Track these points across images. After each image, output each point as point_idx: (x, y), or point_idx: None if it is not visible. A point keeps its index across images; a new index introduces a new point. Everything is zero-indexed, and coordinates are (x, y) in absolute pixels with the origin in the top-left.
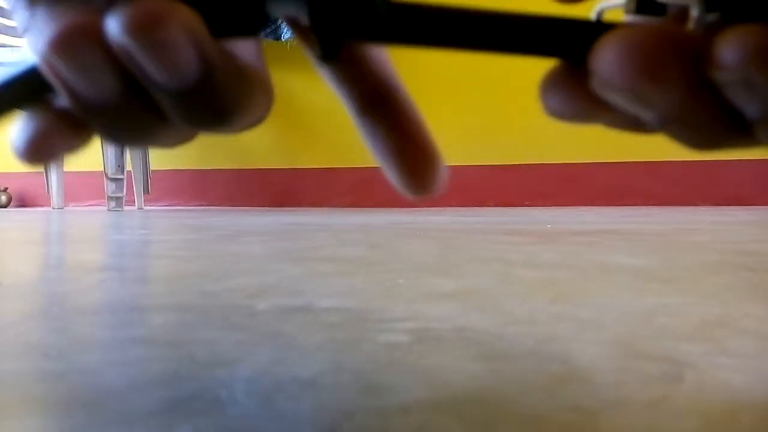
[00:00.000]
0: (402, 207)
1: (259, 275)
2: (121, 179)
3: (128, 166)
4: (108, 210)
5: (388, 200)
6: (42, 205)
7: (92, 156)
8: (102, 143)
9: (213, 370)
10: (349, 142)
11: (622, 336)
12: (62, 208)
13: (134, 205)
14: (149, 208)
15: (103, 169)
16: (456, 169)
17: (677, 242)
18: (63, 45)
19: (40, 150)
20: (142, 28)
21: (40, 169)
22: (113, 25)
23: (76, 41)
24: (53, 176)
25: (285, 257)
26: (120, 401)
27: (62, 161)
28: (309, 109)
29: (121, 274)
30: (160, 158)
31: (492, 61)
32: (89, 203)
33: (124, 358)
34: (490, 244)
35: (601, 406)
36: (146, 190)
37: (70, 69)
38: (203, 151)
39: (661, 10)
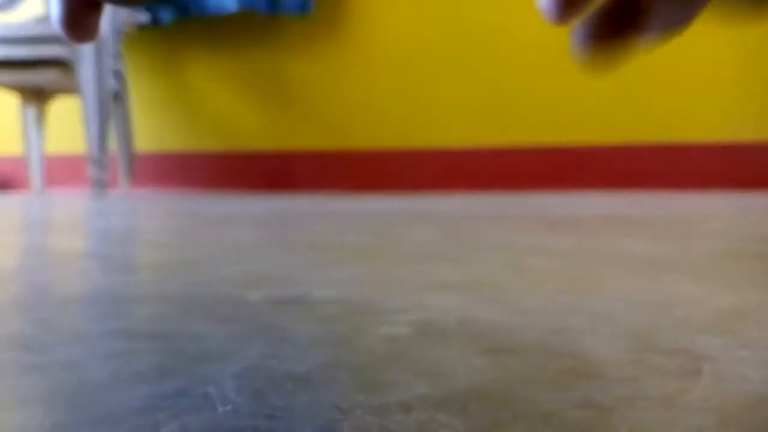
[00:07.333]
0: (404, 192)
1: (251, 264)
2: (104, 162)
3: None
4: (91, 194)
5: (388, 184)
6: (22, 189)
7: (74, 138)
8: (85, 124)
9: (202, 364)
10: (347, 121)
11: (637, 328)
12: (43, 192)
13: (118, 189)
14: (134, 192)
15: (85, 152)
16: (462, 153)
17: (693, 229)
18: None
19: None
20: None
21: (21, 152)
22: None
23: None
24: (34, 159)
25: (278, 245)
26: (103, 397)
27: (44, 143)
28: (302, 86)
29: (104, 263)
30: (145, 139)
31: (500, 43)
32: (71, 187)
33: (107, 352)
34: (498, 231)
35: (615, 403)
36: (130, 174)
37: None
38: (189, 132)
39: None
